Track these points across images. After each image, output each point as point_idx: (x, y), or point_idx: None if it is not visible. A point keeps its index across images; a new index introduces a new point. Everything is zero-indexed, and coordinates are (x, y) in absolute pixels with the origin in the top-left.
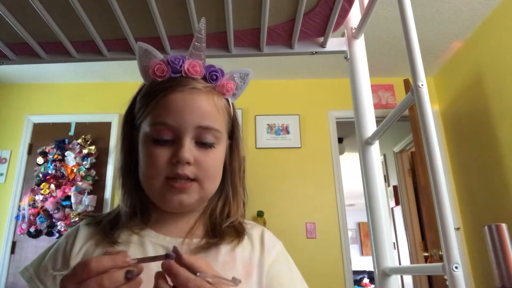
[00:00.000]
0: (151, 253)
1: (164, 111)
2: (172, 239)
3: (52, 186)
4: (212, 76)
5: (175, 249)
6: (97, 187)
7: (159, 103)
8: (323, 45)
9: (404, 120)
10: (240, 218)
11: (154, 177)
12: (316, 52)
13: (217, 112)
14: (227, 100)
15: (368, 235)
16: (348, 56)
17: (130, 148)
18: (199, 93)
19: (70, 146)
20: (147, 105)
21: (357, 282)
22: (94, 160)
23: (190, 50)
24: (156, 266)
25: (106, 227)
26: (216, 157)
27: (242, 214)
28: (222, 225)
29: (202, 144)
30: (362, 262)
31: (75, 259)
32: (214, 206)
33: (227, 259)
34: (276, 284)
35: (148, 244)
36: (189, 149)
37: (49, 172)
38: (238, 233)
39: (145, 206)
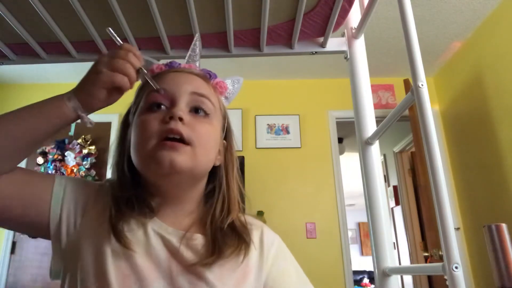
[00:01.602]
0: (153, 241)
1: (159, 83)
2: (174, 230)
3: None
4: (206, 75)
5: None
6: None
7: (157, 81)
8: (323, 45)
9: (404, 120)
10: (240, 214)
11: (146, 140)
12: (316, 52)
13: (213, 95)
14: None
15: (368, 235)
16: (348, 56)
17: (123, 145)
18: (197, 76)
19: (70, 146)
20: (144, 89)
21: (357, 282)
22: (94, 160)
23: (186, 59)
24: (162, 251)
25: (118, 209)
26: (210, 128)
27: (241, 210)
28: (223, 227)
29: (196, 112)
30: (362, 262)
31: (87, 211)
32: (214, 208)
33: (224, 262)
34: (278, 284)
35: (150, 232)
36: (183, 109)
37: (49, 172)
38: (240, 242)
39: (143, 198)
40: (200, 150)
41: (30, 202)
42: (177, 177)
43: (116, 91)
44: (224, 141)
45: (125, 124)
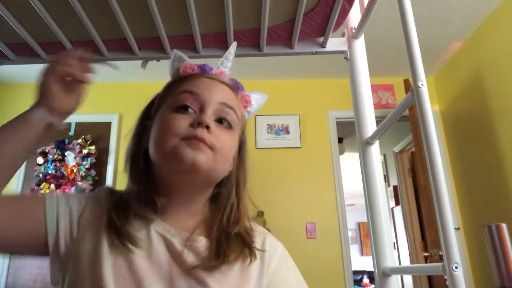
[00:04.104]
0: (156, 242)
1: (191, 85)
2: (177, 231)
3: (52, 186)
4: (234, 86)
5: None
6: (97, 187)
7: (187, 82)
8: (323, 45)
9: (404, 120)
10: (246, 223)
11: (170, 137)
12: (316, 52)
13: (238, 107)
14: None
15: (368, 235)
16: (348, 56)
17: (140, 137)
18: (226, 86)
19: (70, 146)
20: (173, 87)
21: (357, 282)
22: (94, 160)
23: (218, 65)
24: (163, 253)
25: (122, 210)
26: (231, 139)
27: (249, 218)
28: (230, 233)
29: (221, 122)
30: (362, 262)
31: (84, 220)
32: (221, 215)
33: (224, 267)
34: None
35: (153, 233)
36: (210, 117)
37: (49, 172)
38: (243, 247)
39: (150, 195)
40: (220, 157)
41: (24, 222)
42: (194, 175)
43: (71, 86)
44: (238, 154)
45: (146, 116)
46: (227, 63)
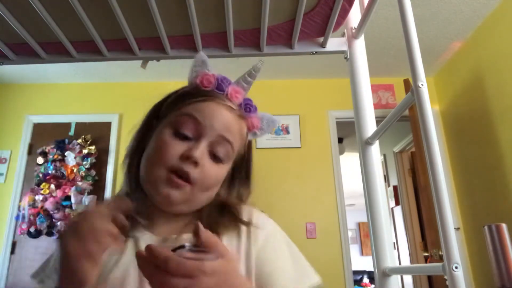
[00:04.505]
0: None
1: (196, 109)
2: (166, 238)
3: (52, 186)
4: (246, 108)
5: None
6: (97, 187)
7: (195, 104)
8: (323, 45)
9: (404, 120)
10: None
11: (159, 164)
12: (316, 52)
13: (239, 136)
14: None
15: (368, 235)
16: (348, 56)
17: (144, 134)
18: (232, 113)
19: (70, 146)
20: (182, 101)
21: (357, 282)
22: (94, 160)
23: (239, 79)
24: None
25: None
26: (219, 173)
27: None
28: (221, 206)
29: (213, 156)
30: (362, 262)
31: None
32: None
33: None
34: (264, 270)
35: (142, 245)
36: (202, 152)
37: (49, 172)
38: (231, 219)
39: (142, 203)
40: (199, 191)
41: None
42: (169, 208)
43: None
44: (240, 166)
45: (154, 115)
46: (249, 81)
